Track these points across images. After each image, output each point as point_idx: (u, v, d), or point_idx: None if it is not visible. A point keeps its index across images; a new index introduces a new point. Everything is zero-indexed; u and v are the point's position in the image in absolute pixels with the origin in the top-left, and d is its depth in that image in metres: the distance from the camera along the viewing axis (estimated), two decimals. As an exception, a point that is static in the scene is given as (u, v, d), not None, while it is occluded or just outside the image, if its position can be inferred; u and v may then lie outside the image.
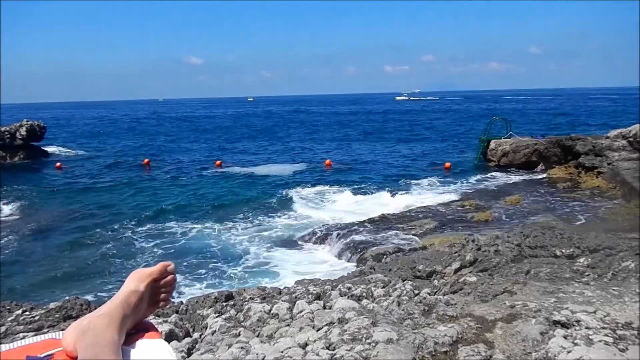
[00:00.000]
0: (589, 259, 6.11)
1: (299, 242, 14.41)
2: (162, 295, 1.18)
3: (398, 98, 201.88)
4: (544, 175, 21.18)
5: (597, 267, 5.86)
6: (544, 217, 13.89)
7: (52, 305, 5.43)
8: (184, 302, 5.63)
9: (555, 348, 2.93)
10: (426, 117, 76.78)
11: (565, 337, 3.09)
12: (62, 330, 1.08)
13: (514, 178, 21.71)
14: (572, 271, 5.80)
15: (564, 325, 3.36)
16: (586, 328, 3.22)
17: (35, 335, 1.11)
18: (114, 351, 0.92)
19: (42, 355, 1.00)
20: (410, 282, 5.49)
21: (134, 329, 1.08)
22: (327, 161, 28.92)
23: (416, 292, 5.08)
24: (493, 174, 23.17)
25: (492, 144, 24.59)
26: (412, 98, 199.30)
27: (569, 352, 2.86)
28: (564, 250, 6.90)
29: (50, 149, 37.33)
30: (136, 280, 1.12)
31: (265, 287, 6.28)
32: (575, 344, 2.96)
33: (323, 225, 15.32)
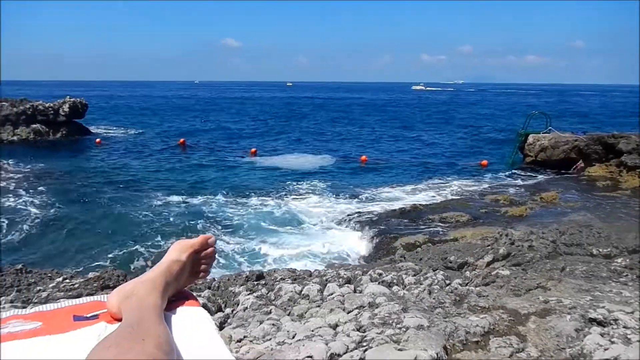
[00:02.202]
0: (627, 260, 5.94)
1: (332, 228, 14.46)
2: (203, 267, 1.23)
3: (415, 87, 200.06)
4: (583, 173, 20.59)
5: (635, 268, 5.69)
6: (581, 215, 13.54)
7: (90, 274, 5.63)
8: (216, 278, 5.76)
9: (591, 345, 2.88)
10: (459, 109, 75.56)
11: (601, 334, 3.03)
12: None
13: (551, 174, 21.21)
14: (610, 271, 5.65)
15: (600, 323, 3.29)
16: (624, 327, 3.14)
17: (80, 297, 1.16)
18: (158, 314, 0.96)
19: (88, 315, 1.05)
20: (441, 272, 5.46)
21: (175, 297, 1.12)
22: (363, 157, 28.63)
23: (447, 282, 5.05)
24: (530, 169, 22.67)
25: (530, 139, 23.96)
26: (427, 88, 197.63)
27: (605, 349, 2.80)
28: (601, 250, 6.73)
29: (90, 126, 38.30)
30: (178, 251, 1.17)
31: (295, 269, 6.34)
32: (613, 342, 2.90)
33: (353, 213, 15.32)
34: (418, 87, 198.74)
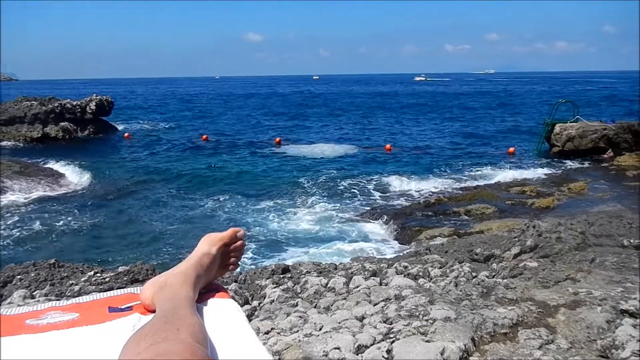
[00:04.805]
0: (660, 251, 5.79)
1: (354, 221, 14.43)
2: (232, 260, 1.25)
3: (417, 79, 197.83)
4: (612, 163, 20.12)
5: (668, 259, 5.55)
6: (610, 206, 13.24)
7: (120, 269, 5.77)
8: (242, 272, 5.84)
9: (623, 336, 2.83)
10: (480, 99, 74.42)
11: (634, 326, 2.97)
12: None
13: (579, 164, 20.77)
14: (642, 262, 5.53)
15: (632, 315, 3.23)
16: (657, 319, 3.08)
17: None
18: (190, 305, 0.98)
19: (122, 307, 1.08)
20: (467, 264, 5.41)
21: (205, 289, 1.14)
22: (388, 146, 28.54)
23: (474, 274, 5.01)
24: (556, 159, 22.22)
25: (557, 128, 23.44)
26: (428, 79, 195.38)
27: (638, 340, 2.75)
28: (632, 241, 6.56)
29: (116, 123, 38.84)
30: (208, 244, 1.19)
31: (320, 262, 6.38)
32: (645, 334, 2.84)
33: (378, 205, 15.29)
34: (420, 79, 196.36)
